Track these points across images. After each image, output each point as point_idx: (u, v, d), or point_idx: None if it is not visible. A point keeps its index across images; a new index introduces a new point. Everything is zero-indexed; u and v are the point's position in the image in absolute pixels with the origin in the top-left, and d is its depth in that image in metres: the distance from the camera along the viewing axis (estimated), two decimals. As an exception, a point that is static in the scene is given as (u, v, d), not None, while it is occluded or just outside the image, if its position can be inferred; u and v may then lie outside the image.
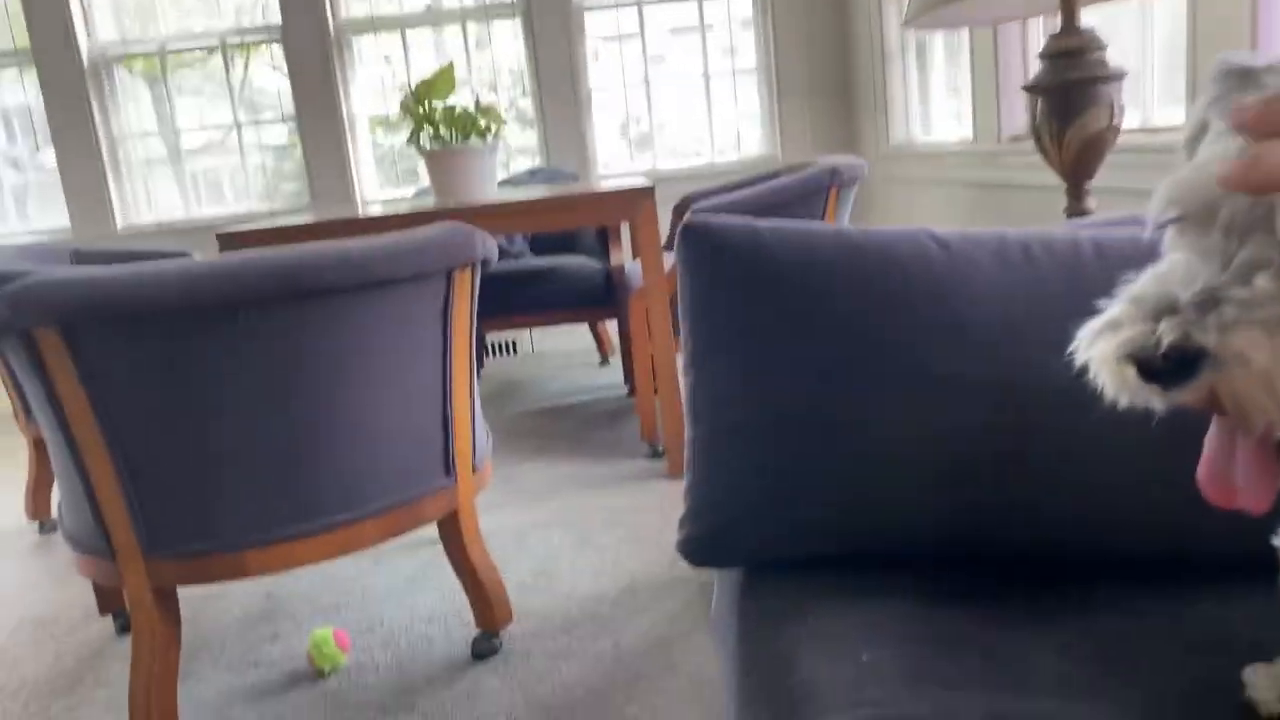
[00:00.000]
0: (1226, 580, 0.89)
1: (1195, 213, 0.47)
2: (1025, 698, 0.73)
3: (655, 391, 2.79)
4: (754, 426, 0.97)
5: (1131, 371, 0.46)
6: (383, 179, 4.95)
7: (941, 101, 3.85)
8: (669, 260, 2.70)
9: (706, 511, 0.99)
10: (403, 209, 2.78)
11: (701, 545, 1.00)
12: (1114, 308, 0.48)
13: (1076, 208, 1.88)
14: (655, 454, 2.88)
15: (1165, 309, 0.44)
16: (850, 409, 0.95)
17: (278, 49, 4.73)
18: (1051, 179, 2.00)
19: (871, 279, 0.97)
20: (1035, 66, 1.88)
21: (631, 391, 3.61)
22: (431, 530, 1.79)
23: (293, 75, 4.70)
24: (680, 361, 1.05)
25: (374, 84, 4.84)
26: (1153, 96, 2.35)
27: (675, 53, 4.85)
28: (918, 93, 4.06)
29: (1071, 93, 1.75)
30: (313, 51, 4.65)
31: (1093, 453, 0.92)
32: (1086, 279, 0.93)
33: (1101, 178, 1.89)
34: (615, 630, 1.84)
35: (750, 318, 0.98)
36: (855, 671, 0.77)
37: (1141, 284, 0.47)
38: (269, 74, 4.92)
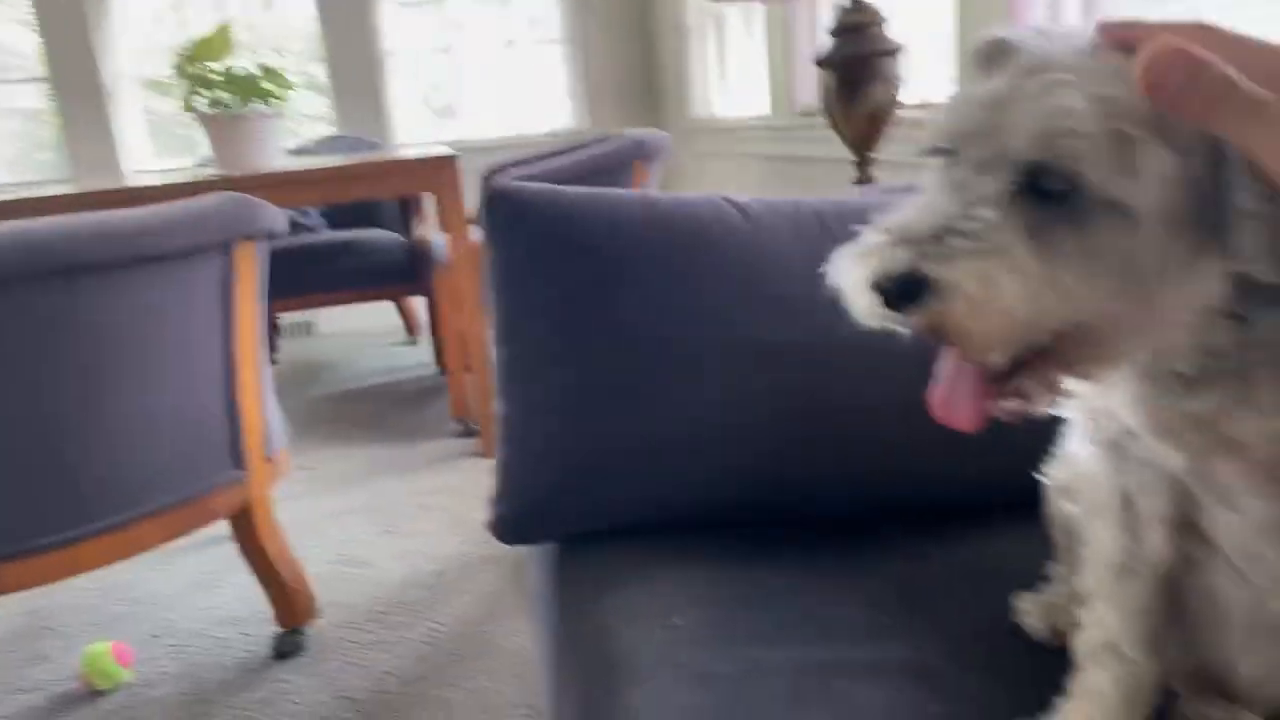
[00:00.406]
0: (1003, 520, 0.96)
1: (951, 147, 0.49)
2: (825, 646, 0.75)
3: (467, 368, 2.72)
4: (564, 400, 0.95)
5: (874, 298, 0.47)
6: (158, 148, 4.53)
7: (740, 75, 3.96)
8: (476, 235, 2.63)
9: (518, 489, 0.97)
10: (180, 179, 2.54)
11: (513, 523, 0.97)
12: (867, 236, 0.50)
13: (864, 177, 1.98)
14: (468, 432, 2.81)
15: (906, 239, 0.46)
16: (658, 378, 0.94)
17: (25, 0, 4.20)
18: (841, 151, 2.10)
19: (671, 245, 0.97)
20: (826, 41, 1.96)
21: (442, 370, 3.50)
22: (222, 527, 1.65)
23: (44, 30, 4.19)
24: (490, 335, 1.01)
25: (143, 44, 4.39)
26: (929, 73, 2.51)
27: (477, 21, 4.72)
28: (717, 67, 4.15)
29: (857, 66, 1.84)
30: (66, 4, 4.15)
31: (886, 410, 0.96)
32: (875, 242, 0.97)
33: (886, 149, 2.00)
34: (429, 616, 1.78)
35: (558, 287, 0.95)
36: (668, 636, 0.78)
37: (896, 215, 0.49)
38: (15, 29, 4.36)
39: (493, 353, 1.00)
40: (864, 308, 0.49)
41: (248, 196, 1.50)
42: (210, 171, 2.76)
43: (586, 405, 0.95)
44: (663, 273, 0.96)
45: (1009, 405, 0.49)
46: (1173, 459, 0.56)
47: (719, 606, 0.82)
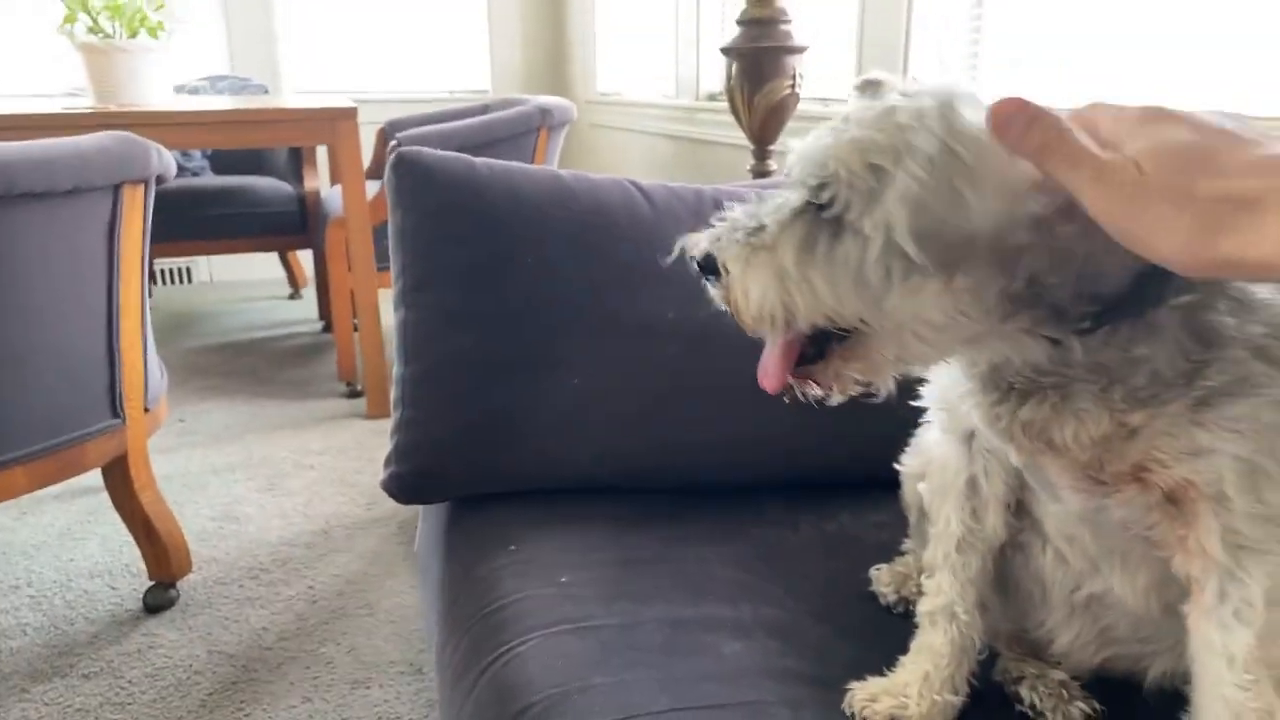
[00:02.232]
0: (861, 498, 1.05)
1: (790, 168, 0.60)
2: (699, 605, 0.82)
3: (355, 328, 2.68)
4: (461, 365, 0.98)
5: (695, 270, 0.60)
6: (15, 76, 4.20)
7: (648, 54, 3.99)
8: (371, 189, 2.59)
9: (415, 449, 1.00)
10: (52, 110, 2.40)
11: (410, 483, 1.00)
12: (716, 223, 0.61)
13: (760, 168, 2.06)
14: (353, 393, 2.78)
15: (725, 230, 0.59)
16: (557, 348, 0.99)
17: None
18: (741, 138, 2.17)
19: (578, 223, 1.02)
20: (733, 31, 2.02)
21: (327, 327, 3.43)
22: (87, 478, 1.60)
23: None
24: (391, 297, 1.03)
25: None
26: (830, 71, 2.61)
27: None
28: (627, 43, 4.17)
29: (761, 59, 1.91)
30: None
31: (760, 391, 1.03)
32: (767, 234, 1.03)
33: (783, 142, 2.08)
34: (308, 574, 1.77)
35: (461, 255, 0.98)
36: (554, 592, 0.83)
37: (739, 210, 0.61)
38: None
39: (394, 314, 1.02)
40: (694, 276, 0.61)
41: (140, 138, 1.45)
42: (85, 104, 2.61)
43: (485, 371, 0.98)
44: (567, 249, 1.00)
45: (803, 385, 0.61)
46: (1010, 454, 0.65)
47: (602, 567, 0.88)
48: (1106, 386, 0.57)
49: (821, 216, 0.55)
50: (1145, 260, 0.44)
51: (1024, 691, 0.72)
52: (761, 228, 0.58)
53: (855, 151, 0.53)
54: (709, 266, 0.59)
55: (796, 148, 0.59)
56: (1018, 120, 0.47)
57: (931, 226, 0.51)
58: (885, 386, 0.61)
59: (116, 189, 1.42)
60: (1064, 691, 0.72)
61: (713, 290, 0.60)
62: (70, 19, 2.47)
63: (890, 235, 0.52)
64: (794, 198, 0.58)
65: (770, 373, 0.61)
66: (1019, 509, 0.73)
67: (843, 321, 0.56)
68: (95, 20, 2.49)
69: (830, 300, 0.55)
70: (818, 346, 0.60)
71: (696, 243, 0.61)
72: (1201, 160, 0.42)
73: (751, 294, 0.56)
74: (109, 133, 1.43)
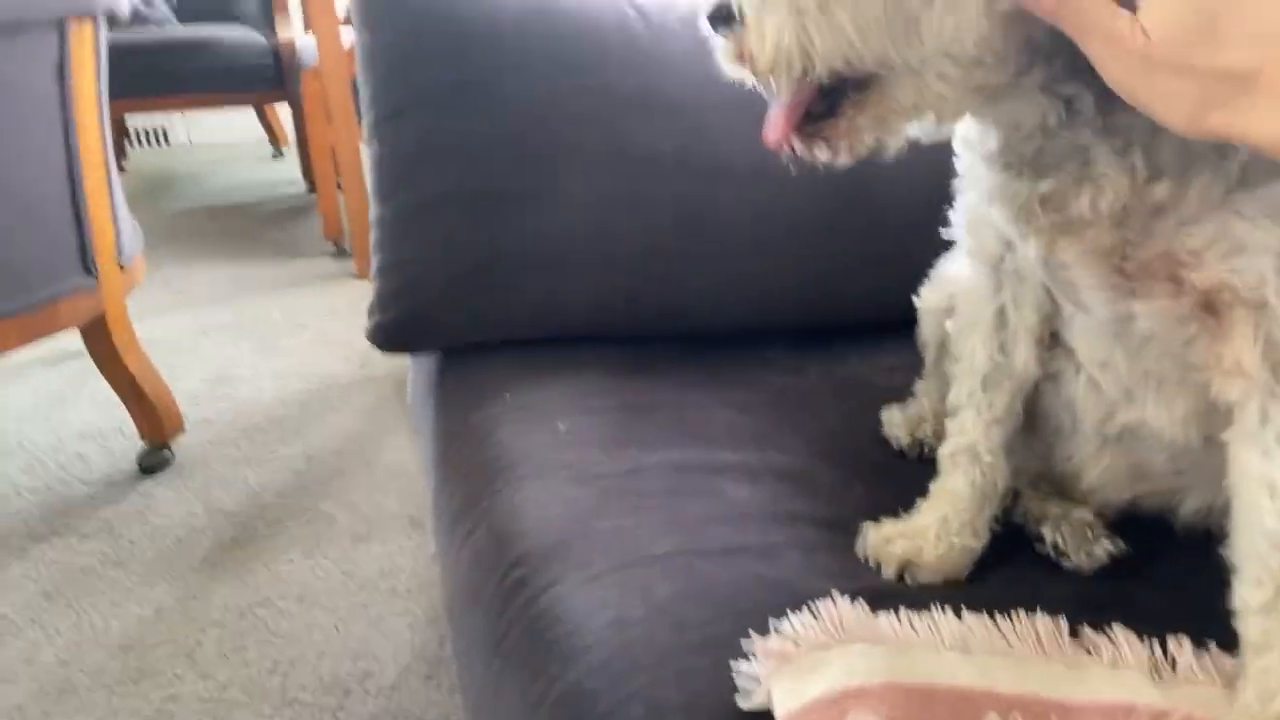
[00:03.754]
0: (873, 342, 1.00)
1: None
2: (705, 450, 0.78)
3: (339, 186, 2.57)
4: (444, 202, 0.91)
5: (706, 24, 0.54)
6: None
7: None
8: (348, 37, 2.43)
9: (398, 295, 0.94)
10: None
11: (394, 331, 0.95)
12: None
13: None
14: (341, 253, 2.70)
15: None
16: (548, 183, 0.91)
17: None
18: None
19: (565, 41, 0.92)
20: None
21: (312, 187, 3.31)
22: (75, 341, 1.55)
23: None
24: (363, 133, 0.94)
25: None
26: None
27: None
28: None
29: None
30: None
31: (765, 226, 0.97)
32: (775, 52, 0.94)
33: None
34: (305, 433, 1.75)
35: (437, 80, 0.89)
36: (553, 439, 0.79)
37: None
38: None
39: (366, 150, 0.94)
40: (704, 31, 0.55)
41: (81, -34, 1.32)
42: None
43: (469, 207, 0.91)
44: (551, 70, 0.91)
45: (811, 144, 0.55)
46: (1030, 249, 0.59)
47: (602, 414, 0.83)
48: (1125, 149, 0.51)
49: None
50: None
51: (1046, 531, 0.68)
52: None
53: None
54: (721, 15, 0.53)
55: None
56: None
57: None
58: (897, 142, 0.57)
59: (61, 24, 1.31)
60: (1088, 531, 0.68)
61: (722, 45, 0.54)
62: None
63: None
64: None
65: (776, 125, 0.56)
66: (1052, 342, 0.68)
67: (862, 64, 0.51)
68: None
69: (854, 34, 0.50)
70: (829, 103, 0.54)
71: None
72: (1203, 26, 0.41)
73: (768, 35, 0.50)
74: (49, -39, 1.30)
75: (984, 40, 0.49)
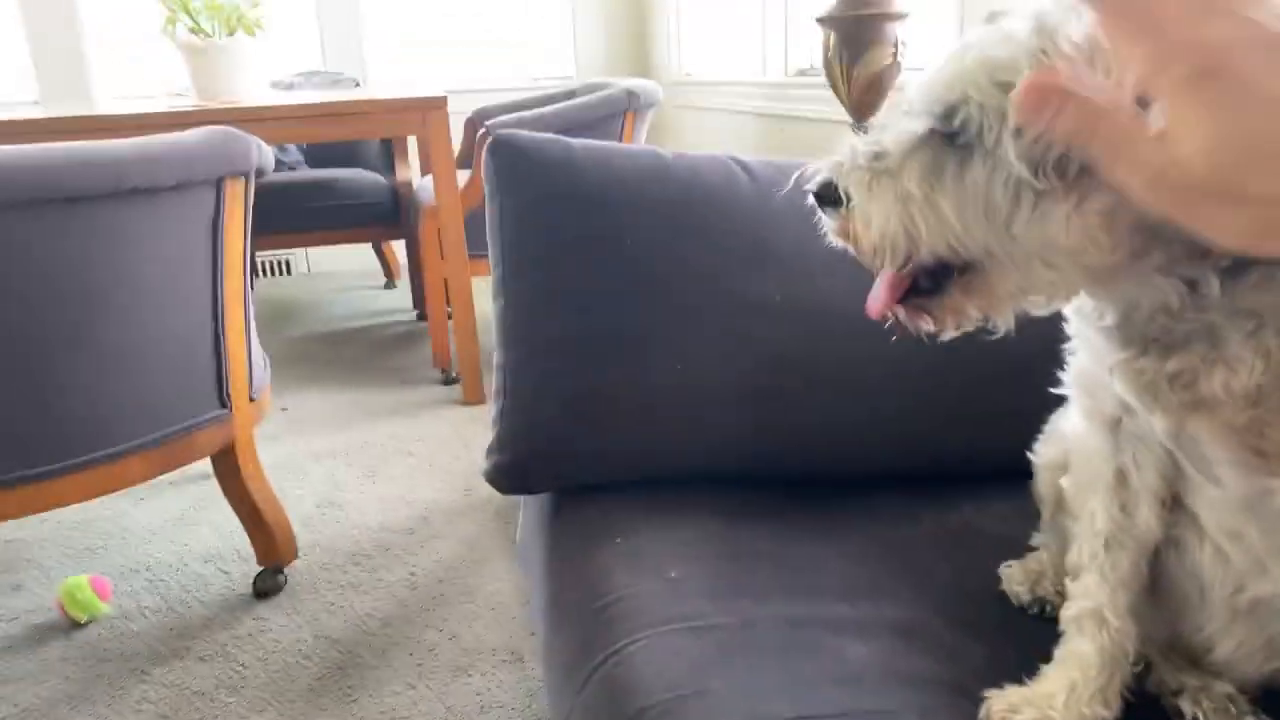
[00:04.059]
0: (983, 489, 0.99)
1: (911, 98, 0.57)
2: (818, 603, 0.78)
3: (449, 316, 2.70)
4: (565, 350, 0.96)
5: (812, 201, 0.58)
6: (124, 79, 4.37)
7: (733, 30, 3.91)
8: (461, 178, 2.60)
9: (517, 438, 0.97)
10: (157, 109, 2.48)
11: (512, 472, 0.98)
12: (834, 155, 0.58)
13: (859, 142, 1.98)
14: (448, 380, 2.81)
15: (846, 161, 0.56)
16: (658, 331, 0.95)
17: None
18: (836, 113, 2.09)
19: (679, 202, 0.98)
20: (827, 1, 1.94)
21: (421, 316, 3.48)
22: (199, 465, 1.65)
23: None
24: (490, 285, 1.01)
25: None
26: (931, 39, 2.50)
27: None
28: (712, 20, 4.10)
29: (861, 27, 1.83)
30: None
31: (875, 375, 0.98)
32: (880, 209, 0.97)
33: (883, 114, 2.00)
34: (409, 560, 1.79)
35: (562, 237, 0.95)
36: (664, 588, 0.79)
37: (859, 140, 0.57)
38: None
39: (493, 302, 1.00)
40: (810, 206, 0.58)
41: (239, 131, 1.47)
42: (188, 103, 2.69)
43: (585, 355, 0.95)
44: (667, 227, 0.96)
45: (915, 318, 0.58)
46: (1157, 423, 0.58)
47: (712, 562, 0.84)
48: (1257, 330, 0.51)
49: (948, 144, 0.53)
50: None
51: (1185, 705, 0.65)
52: (885, 153, 0.55)
53: (982, 71, 0.51)
54: (827, 196, 0.56)
55: (914, 80, 0.56)
56: (1045, 108, 0.42)
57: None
58: (1006, 322, 0.58)
59: (219, 183, 1.45)
60: (1230, 706, 0.65)
61: (828, 222, 0.57)
62: (171, 21, 2.55)
63: (1031, 162, 0.49)
64: (917, 125, 0.54)
65: (878, 297, 0.58)
66: (1174, 504, 0.66)
67: (966, 253, 0.53)
68: (195, 20, 2.56)
69: (957, 227, 0.52)
70: (934, 279, 0.57)
71: (814, 171, 0.58)
72: (1251, 150, 0.36)
73: (873, 221, 0.53)
74: (211, 128, 1.46)
75: (1081, 234, 0.50)
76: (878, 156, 0.55)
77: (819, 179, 0.57)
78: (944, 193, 0.52)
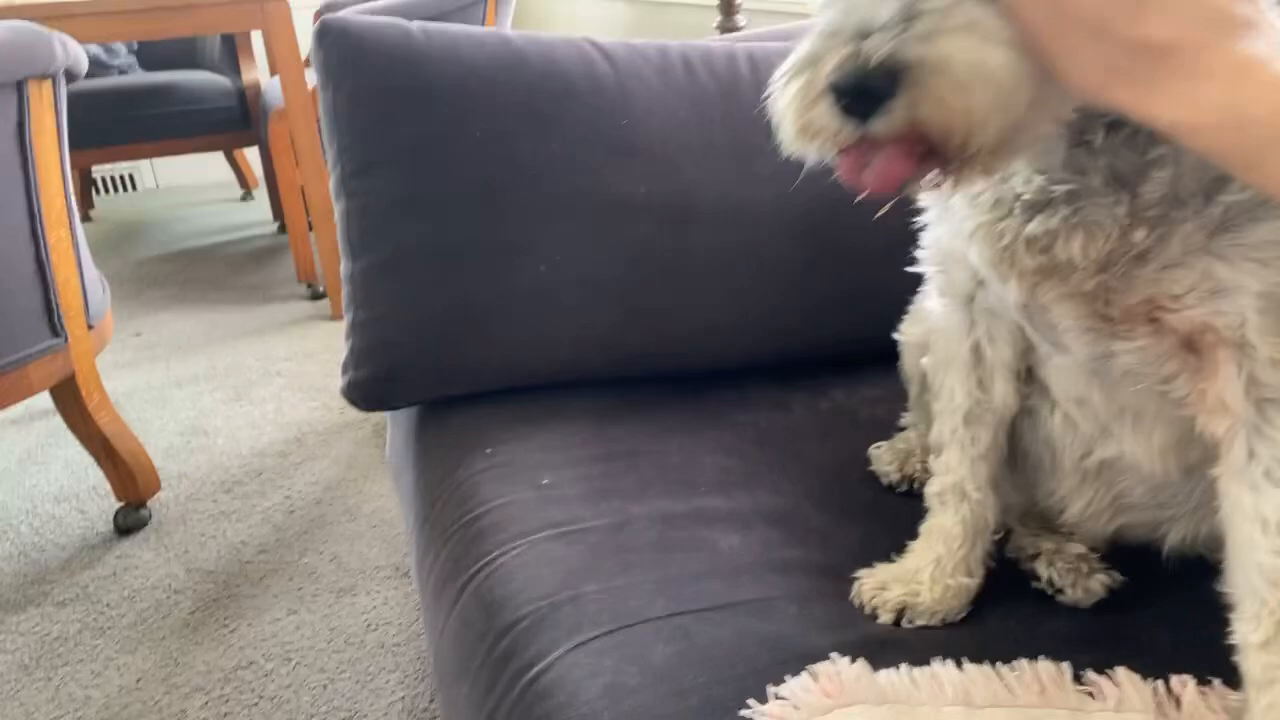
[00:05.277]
0: (855, 373, 1.00)
1: None
2: (692, 498, 0.77)
3: (310, 226, 2.55)
4: (416, 256, 0.90)
5: (824, 109, 0.43)
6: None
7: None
8: (312, 78, 2.41)
9: (373, 352, 0.92)
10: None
11: (370, 389, 0.93)
12: (805, 46, 0.45)
13: (728, 24, 1.92)
14: (315, 295, 2.67)
15: (865, 32, 0.42)
16: (519, 232, 0.90)
17: None
18: (706, -2, 2.02)
19: (535, 92, 0.91)
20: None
21: (283, 228, 3.28)
22: (44, 401, 1.52)
23: None
24: (331, 186, 0.93)
25: None
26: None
27: None
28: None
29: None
30: None
31: (744, 264, 0.96)
32: (743, 91, 0.94)
33: (749, -1, 1.94)
34: (284, 484, 1.72)
35: (404, 134, 0.88)
36: (536, 495, 0.77)
37: (829, 19, 0.43)
38: None
39: (334, 205, 0.93)
40: (805, 125, 0.45)
41: (38, 26, 1.30)
42: (-10, -3, 2.38)
43: (440, 261, 0.90)
44: (522, 122, 0.90)
45: (934, 178, 0.47)
46: (1010, 293, 0.58)
47: (585, 464, 0.82)
48: (1118, 200, 0.51)
49: None
50: None
51: (1041, 568, 0.68)
52: (922, 12, 0.41)
53: None
54: (869, 84, 0.41)
55: None
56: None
57: None
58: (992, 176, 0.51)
59: (20, 85, 1.29)
60: (1082, 565, 0.68)
61: (852, 124, 0.43)
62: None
63: None
64: None
65: (885, 166, 0.45)
66: (1028, 376, 0.68)
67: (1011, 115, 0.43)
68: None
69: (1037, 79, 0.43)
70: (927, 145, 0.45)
71: (820, 68, 0.43)
72: None
73: (982, 86, 0.41)
74: (6, 23, 1.28)
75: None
76: (932, 13, 0.41)
77: (869, 61, 0.41)
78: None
